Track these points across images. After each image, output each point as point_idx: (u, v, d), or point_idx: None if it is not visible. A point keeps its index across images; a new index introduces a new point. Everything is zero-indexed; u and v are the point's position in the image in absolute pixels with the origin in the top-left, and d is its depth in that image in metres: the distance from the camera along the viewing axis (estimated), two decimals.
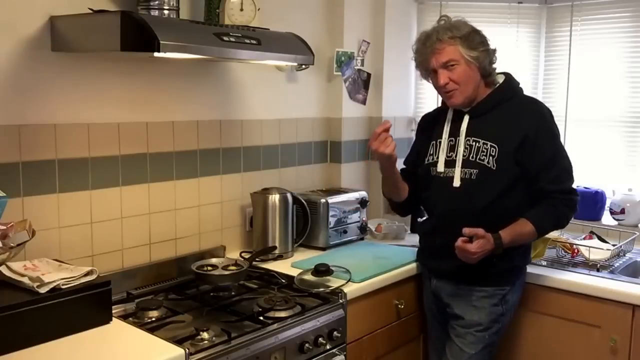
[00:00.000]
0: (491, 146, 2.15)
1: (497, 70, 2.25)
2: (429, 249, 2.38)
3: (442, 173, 2.25)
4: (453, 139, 2.25)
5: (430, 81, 2.26)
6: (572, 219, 2.29)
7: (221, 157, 2.49)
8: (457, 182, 2.19)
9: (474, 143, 2.19)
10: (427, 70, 2.22)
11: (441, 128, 2.29)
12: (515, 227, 2.13)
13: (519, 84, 2.29)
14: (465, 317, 2.22)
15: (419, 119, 2.56)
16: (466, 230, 2.08)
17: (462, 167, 2.19)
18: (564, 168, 2.18)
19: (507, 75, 2.27)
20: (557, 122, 2.25)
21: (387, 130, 2.19)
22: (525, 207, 2.16)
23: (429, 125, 2.40)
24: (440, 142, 2.28)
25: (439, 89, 2.21)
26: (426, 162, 2.32)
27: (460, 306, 2.24)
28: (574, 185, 2.22)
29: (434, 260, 2.34)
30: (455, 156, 2.22)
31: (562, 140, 2.29)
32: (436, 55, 2.15)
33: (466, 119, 2.22)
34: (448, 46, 2.13)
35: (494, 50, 2.20)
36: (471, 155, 2.18)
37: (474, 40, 2.14)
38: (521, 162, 2.13)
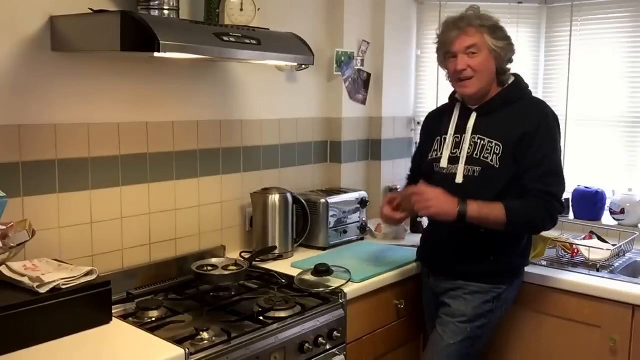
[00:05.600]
0: (496, 144, 2.14)
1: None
2: (428, 244, 2.39)
3: (445, 169, 2.24)
4: (459, 135, 2.24)
5: (446, 70, 2.25)
6: (572, 219, 2.28)
7: (221, 157, 2.49)
8: (459, 179, 2.18)
9: (479, 141, 2.18)
10: (447, 53, 2.19)
11: (447, 125, 2.29)
12: (487, 204, 2.08)
13: (527, 86, 2.29)
14: (452, 306, 2.21)
15: (419, 119, 2.57)
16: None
17: (465, 164, 2.19)
18: (551, 171, 2.12)
19: (517, 77, 2.27)
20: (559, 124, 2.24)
21: (391, 202, 2.30)
22: None
23: (434, 123, 2.40)
24: (445, 139, 2.27)
25: (454, 74, 2.18)
26: (429, 157, 2.32)
27: (451, 296, 2.23)
28: (564, 196, 2.18)
29: (432, 256, 2.35)
30: (460, 153, 2.21)
31: (562, 142, 2.26)
32: (462, 37, 2.13)
33: (474, 116, 2.22)
34: (476, 32, 2.13)
35: (514, 50, 2.20)
36: (475, 153, 2.17)
37: (500, 33, 2.16)
38: (517, 159, 2.12)
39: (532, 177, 2.10)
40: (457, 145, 2.23)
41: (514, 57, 2.23)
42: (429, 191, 2.12)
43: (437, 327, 2.23)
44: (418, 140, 2.64)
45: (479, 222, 2.08)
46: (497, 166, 2.13)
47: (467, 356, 2.21)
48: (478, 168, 2.16)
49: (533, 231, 2.28)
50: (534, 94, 2.33)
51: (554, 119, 2.20)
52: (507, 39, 2.19)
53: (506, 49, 2.17)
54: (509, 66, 2.23)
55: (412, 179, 2.50)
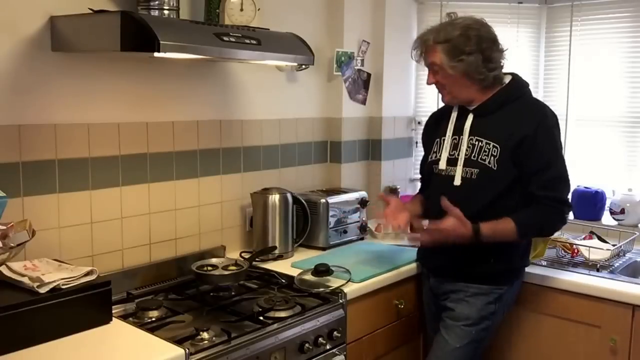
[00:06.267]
0: (493, 146, 2.13)
1: (503, 70, 2.21)
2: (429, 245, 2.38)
3: (444, 171, 2.24)
4: (457, 137, 2.24)
5: None
6: (572, 219, 2.28)
7: (221, 157, 2.49)
8: (457, 181, 2.18)
9: (476, 142, 2.17)
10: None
11: (445, 126, 2.29)
12: (498, 223, 2.09)
13: (527, 84, 2.27)
14: (456, 310, 2.21)
15: (420, 118, 2.57)
16: (444, 203, 2.08)
17: (463, 166, 2.18)
18: (559, 175, 2.13)
19: (514, 76, 2.25)
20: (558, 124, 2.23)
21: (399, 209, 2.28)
22: (522, 208, 2.15)
23: (434, 124, 2.40)
24: (443, 140, 2.27)
25: None
26: (430, 159, 2.32)
27: (454, 299, 2.23)
28: (569, 195, 2.19)
29: (432, 258, 2.35)
30: (458, 155, 2.21)
31: (562, 143, 2.27)
32: (423, 55, 2.21)
33: (470, 117, 2.21)
34: (431, 50, 2.16)
35: (500, 52, 2.15)
36: (473, 155, 2.17)
37: (459, 46, 2.09)
38: (518, 163, 2.11)
39: (539, 184, 2.10)
40: (455, 146, 2.23)
41: (503, 58, 2.17)
42: (443, 227, 2.08)
43: (441, 331, 2.23)
44: (420, 143, 2.64)
45: (492, 240, 2.09)
46: (495, 168, 2.12)
47: (471, 359, 2.21)
48: (476, 170, 2.15)
49: (545, 236, 2.37)
50: (534, 95, 2.32)
51: (553, 119, 2.18)
52: (471, 53, 2.08)
53: (465, 65, 2.10)
54: (496, 65, 2.15)
55: (423, 186, 2.50)
